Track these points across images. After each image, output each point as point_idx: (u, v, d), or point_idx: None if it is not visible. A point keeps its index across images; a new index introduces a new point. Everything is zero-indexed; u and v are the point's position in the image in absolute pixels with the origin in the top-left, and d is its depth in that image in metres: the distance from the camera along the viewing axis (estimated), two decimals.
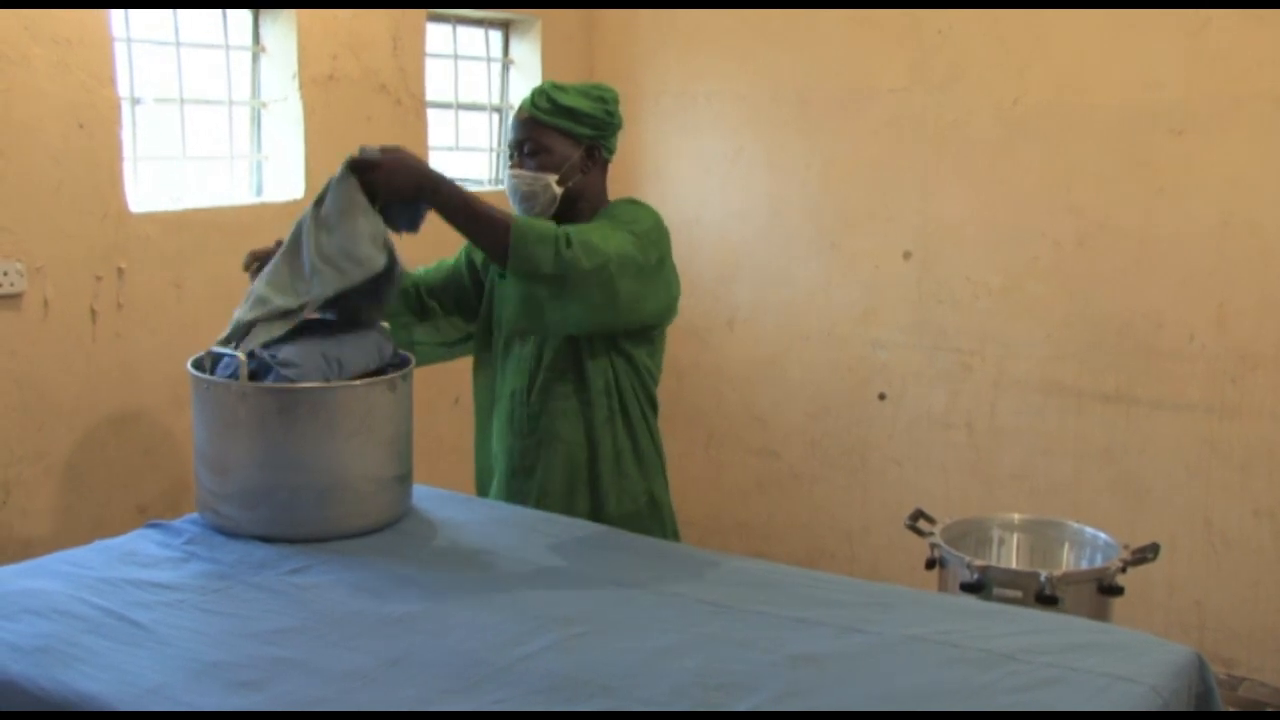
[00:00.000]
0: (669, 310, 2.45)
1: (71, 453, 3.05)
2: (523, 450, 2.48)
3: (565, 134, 2.41)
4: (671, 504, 2.59)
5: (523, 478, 2.49)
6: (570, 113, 2.40)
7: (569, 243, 2.20)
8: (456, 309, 2.64)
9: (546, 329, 2.40)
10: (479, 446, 2.62)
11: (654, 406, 2.53)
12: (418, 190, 2.22)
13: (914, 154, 3.96)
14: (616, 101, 2.47)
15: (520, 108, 2.47)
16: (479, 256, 2.58)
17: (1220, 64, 3.44)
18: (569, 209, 2.42)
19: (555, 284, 2.21)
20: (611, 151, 2.48)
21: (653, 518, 2.50)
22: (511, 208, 2.42)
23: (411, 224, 2.28)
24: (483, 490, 2.62)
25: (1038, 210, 3.76)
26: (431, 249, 2.65)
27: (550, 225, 2.24)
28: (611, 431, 2.44)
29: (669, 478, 2.60)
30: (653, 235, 2.35)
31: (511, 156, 2.46)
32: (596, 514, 2.44)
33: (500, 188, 4.32)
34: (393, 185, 2.21)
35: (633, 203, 2.47)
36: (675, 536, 2.58)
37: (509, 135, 2.48)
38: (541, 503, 2.45)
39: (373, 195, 2.20)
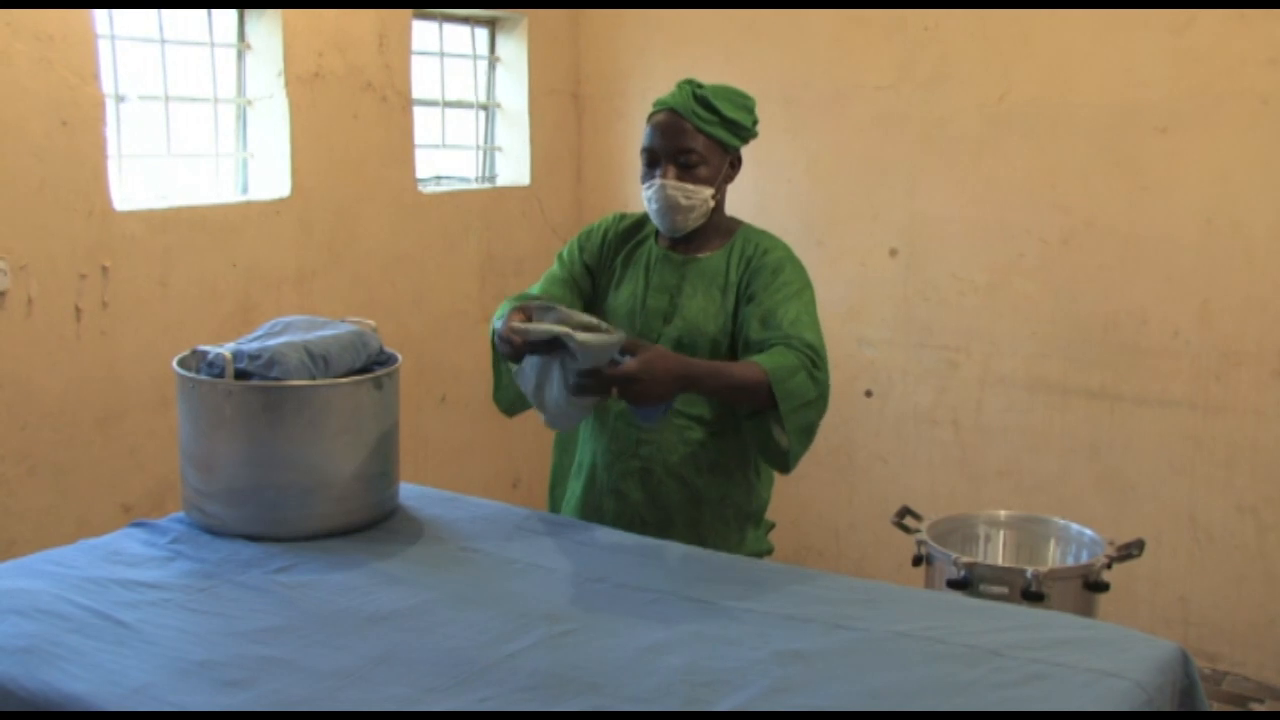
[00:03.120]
0: None
1: (56, 452, 3.03)
2: (622, 472, 2.33)
3: (721, 145, 2.29)
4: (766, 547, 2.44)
5: (616, 499, 2.34)
6: (730, 124, 2.28)
7: (813, 362, 2.13)
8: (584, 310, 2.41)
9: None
10: (559, 444, 2.51)
11: (759, 463, 2.38)
12: (677, 393, 2.05)
13: (900, 151, 3.97)
14: (757, 107, 2.38)
15: (671, 109, 2.28)
16: (589, 255, 2.42)
17: (1204, 62, 3.45)
18: (707, 221, 2.32)
19: (819, 404, 2.14)
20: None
21: None
22: (655, 217, 2.31)
23: (659, 416, 2.10)
24: (555, 491, 2.52)
25: (1024, 208, 3.78)
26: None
27: (788, 355, 2.11)
28: (717, 477, 2.31)
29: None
30: (811, 289, 2.32)
31: (654, 163, 2.29)
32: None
33: (486, 186, 4.36)
34: (651, 396, 1.99)
35: (770, 236, 2.37)
36: None
37: (652, 139, 2.28)
38: (639, 531, 2.32)
39: (622, 396, 2.00)
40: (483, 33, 4.36)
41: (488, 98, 4.40)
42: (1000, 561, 3.04)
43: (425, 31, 4.10)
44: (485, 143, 4.42)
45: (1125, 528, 3.45)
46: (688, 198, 2.27)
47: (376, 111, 3.76)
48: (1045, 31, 3.67)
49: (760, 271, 2.29)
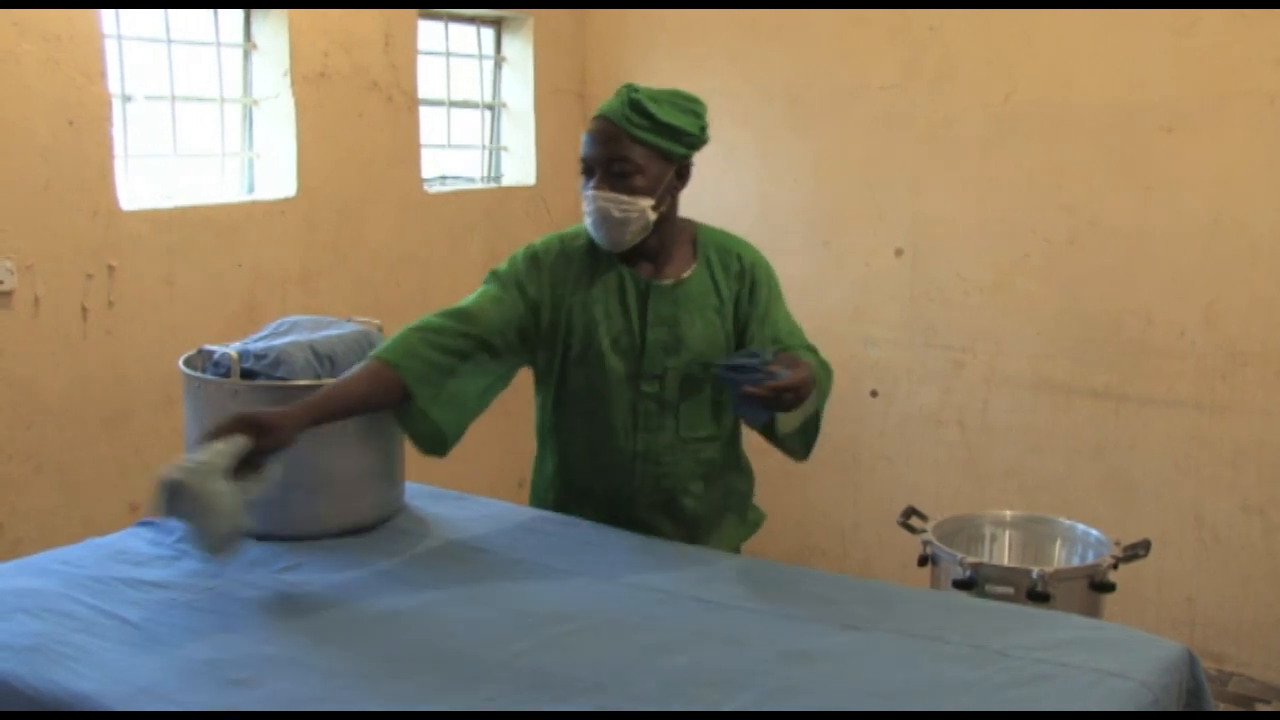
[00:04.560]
0: None
1: (62, 451, 3.04)
2: (648, 506, 2.27)
3: (661, 153, 2.14)
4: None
5: (635, 523, 2.27)
6: (670, 131, 2.14)
7: (825, 366, 2.26)
8: (522, 351, 2.26)
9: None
10: (539, 472, 2.42)
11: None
12: (810, 390, 2.08)
13: (905, 152, 3.97)
14: (706, 113, 2.23)
15: (604, 117, 2.15)
16: (536, 285, 2.22)
17: (1209, 62, 3.45)
18: (654, 234, 2.20)
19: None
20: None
21: None
22: (591, 230, 2.19)
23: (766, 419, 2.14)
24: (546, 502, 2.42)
25: (1028, 208, 3.77)
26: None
27: (810, 358, 2.20)
28: (724, 478, 2.33)
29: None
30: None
31: (590, 172, 2.17)
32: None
33: (492, 185, 4.36)
34: (794, 401, 2.03)
35: (725, 237, 2.32)
36: None
37: (588, 148, 2.17)
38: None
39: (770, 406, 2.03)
40: (488, 32, 4.36)
41: (493, 97, 4.41)
42: (1006, 562, 3.04)
43: (431, 31, 4.10)
44: (491, 142, 4.42)
45: (1131, 528, 3.44)
46: (621, 210, 2.13)
47: (382, 111, 3.77)
48: (1050, 31, 3.67)
49: (751, 286, 2.28)
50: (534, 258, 2.26)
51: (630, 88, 2.16)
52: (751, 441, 2.37)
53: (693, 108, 2.20)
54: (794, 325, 2.31)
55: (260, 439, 1.89)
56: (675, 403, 2.23)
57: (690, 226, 2.32)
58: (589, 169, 2.18)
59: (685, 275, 2.26)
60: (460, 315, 2.19)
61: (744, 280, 2.28)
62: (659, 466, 2.25)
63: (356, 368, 2.15)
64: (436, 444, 2.18)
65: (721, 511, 2.35)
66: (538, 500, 2.43)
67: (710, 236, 2.32)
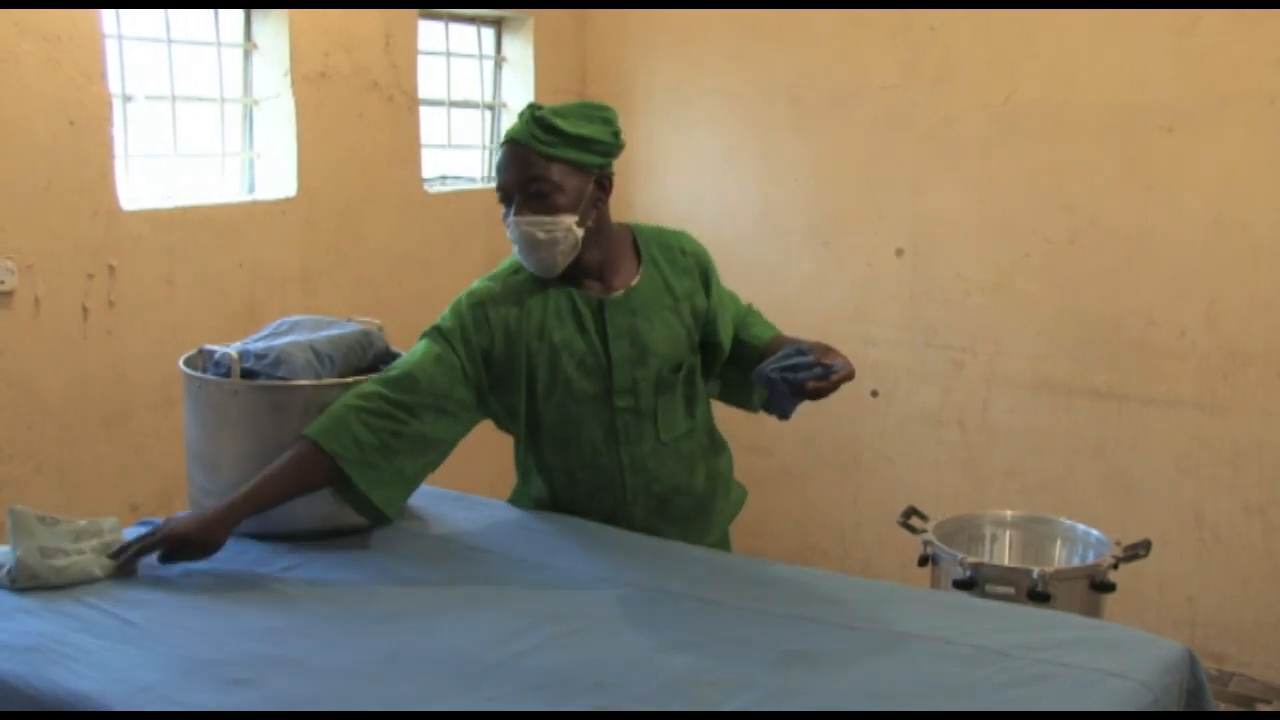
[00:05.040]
0: None
1: (62, 451, 3.04)
2: (643, 512, 2.26)
3: (576, 166, 2.10)
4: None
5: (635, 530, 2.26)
6: (580, 142, 2.09)
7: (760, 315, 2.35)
8: (476, 404, 2.20)
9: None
10: (524, 497, 2.39)
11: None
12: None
13: (905, 152, 3.96)
14: (618, 119, 2.18)
15: (512, 139, 2.11)
16: (495, 335, 2.16)
17: (1210, 62, 3.45)
18: (588, 249, 2.15)
19: None
20: (613, 174, 2.20)
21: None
22: (522, 258, 2.15)
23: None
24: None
25: (1029, 208, 3.77)
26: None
27: (773, 329, 2.33)
28: (706, 463, 2.33)
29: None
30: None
31: (508, 200, 2.12)
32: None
33: (492, 185, 4.35)
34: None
35: (665, 234, 2.30)
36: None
37: (501, 174, 2.13)
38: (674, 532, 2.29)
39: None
40: (489, 32, 4.36)
41: (494, 97, 4.41)
42: (1006, 562, 3.04)
43: (431, 31, 4.10)
44: (491, 142, 4.42)
45: (1131, 528, 3.44)
46: (546, 231, 2.08)
47: (383, 111, 3.77)
48: (1051, 31, 3.66)
49: (704, 276, 2.29)
50: (478, 305, 2.18)
51: (533, 106, 2.12)
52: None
53: (602, 115, 2.15)
54: (739, 302, 2.38)
55: (192, 553, 2.00)
56: (652, 410, 2.21)
57: (628, 231, 2.27)
58: (506, 196, 2.13)
59: (634, 283, 2.21)
60: (403, 384, 2.11)
61: (694, 272, 2.28)
62: (646, 473, 2.24)
63: (287, 454, 2.06)
64: (378, 518, 2.13)
65: (710, 497, 2.35)
66: None
67: (649, 235, 2.28)
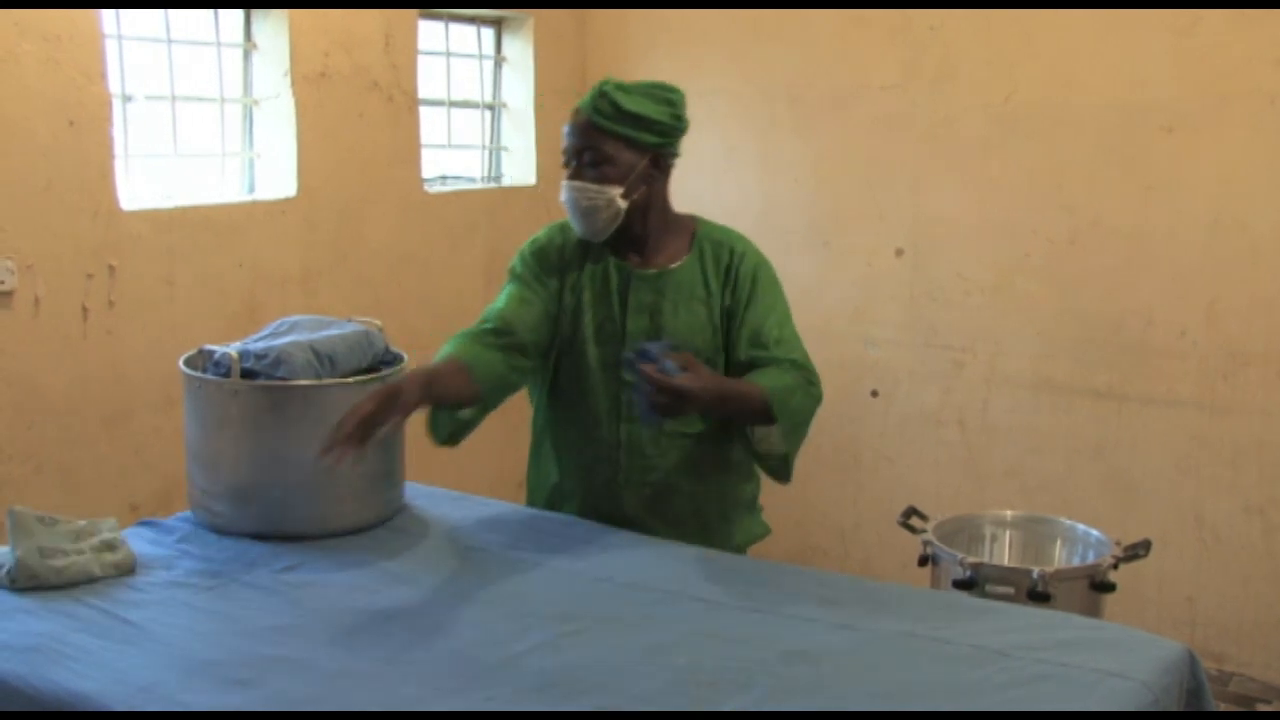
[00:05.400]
0: None
1: (62, 451, 3.04)
2: (634, 500, 2.28)
3: (630, 142, 2.17)
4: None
5: (625, 523, 2.28)
6: (636, 119, 2.16)
7: (810, 381, 2.19)
8: (549, 343, 2.31)
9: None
10: (534, 469, 2.43)
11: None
12: (718, 405, 2.10)
13: (906, 151, 3.96)
14: (684, 103, 2.24)
15: (578, 110, 2.22)
16: (550, 271, 2.28)
17: (1210, 62, 3.44)
18: (633, 222, 2.22)
19: (811, 422, 2.23)
20: (676, 156, 2.27)
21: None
22: (570, 221, 2.24)
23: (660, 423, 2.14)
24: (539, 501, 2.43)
25: (1029, 207, 3.77)
26: None
27: (782, 376, 2.15)
28: (717, 477, 2.31)
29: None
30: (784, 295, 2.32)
31: (567, 164, 2.23)
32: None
33: (492, 185, 4.36)
34: (695, 404, 2.03)
35: (723, 232, 2.30)
36: None
37: (565, 139, 2.23)
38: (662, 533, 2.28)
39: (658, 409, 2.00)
40: (489, 32, 4.36)
41: (494, 97, 4.41)
42: (1006, 562, 3.04)
43: (431, 31, 4.10)
44: (491, 142, 4.42)
45: (1131, 528, 3.44)
46: (589, 199, 2.17)
47: (382, 111, 3.77)
48: (1051, 31, 3.66)
49: (740, 282, 2.25)
50: (541, 249, 2.32)
51: (605, 81, 2.21)
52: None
53: (667, 97, 2.22)
54: (786, 333, 2.25)
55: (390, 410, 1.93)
56: None
57: (692, 221, 2.33)
58: (566, 160, 2.24)
59: (673, 265, 2.27)
60: (501, 326, 2.22)
61: (732, 274, 2.27)
62: (644, 459, 2.25)
63: (445, 360, 2.15)
64: (455, 440, 2.25)
65: (711, 510, 2.31)
66: (532, 502, 2.45)
67: (710, 230, 2.33)
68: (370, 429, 1.89)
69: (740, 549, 2.36)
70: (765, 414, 2.12)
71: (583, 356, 2.26)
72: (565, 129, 2.24)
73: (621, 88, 2.18)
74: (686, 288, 2.25)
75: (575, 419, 2.31)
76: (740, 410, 2.15)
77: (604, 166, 2.17)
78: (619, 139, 2.17)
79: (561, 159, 2.25)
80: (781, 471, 2.27)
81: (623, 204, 2.19)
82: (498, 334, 2.22)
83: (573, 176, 2.20)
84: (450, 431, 2.23)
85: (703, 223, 2.34)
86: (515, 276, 2.31)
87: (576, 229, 2.25)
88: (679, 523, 2.29)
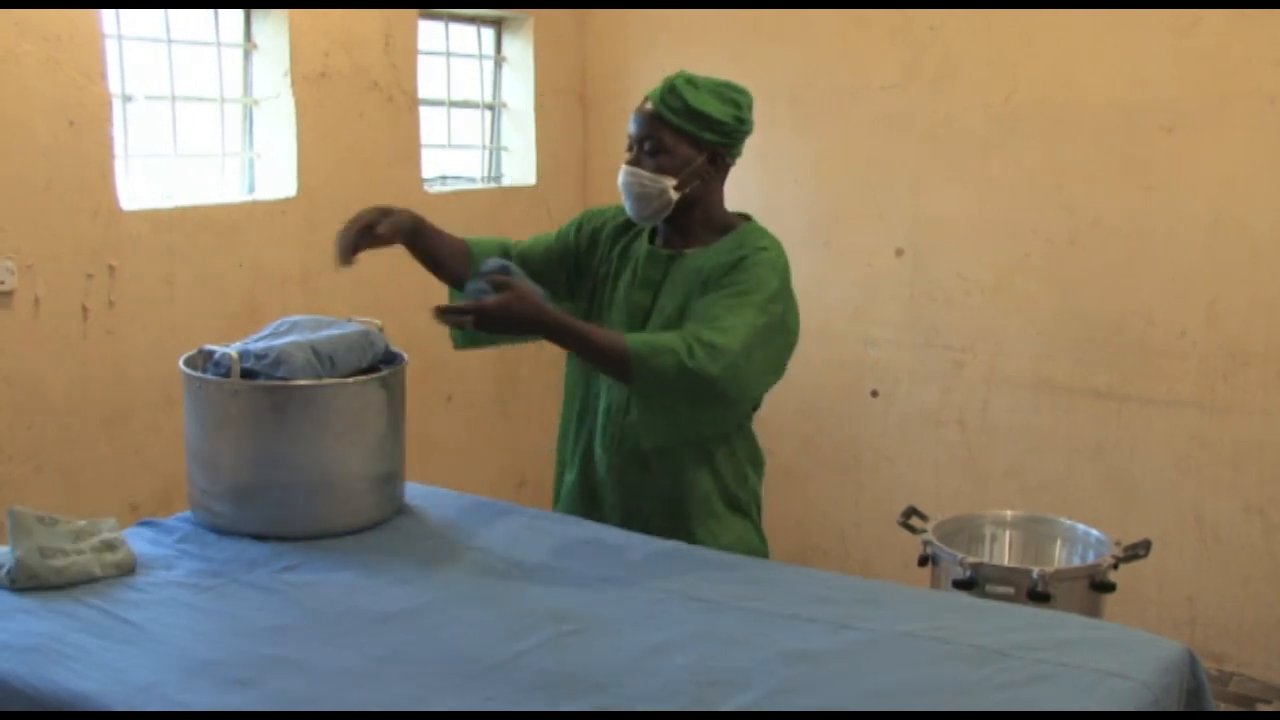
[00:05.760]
0: (784, 368, 2.29)
1: (62, 451, 3.04)
2: (610, 465, 2.32)
3: (690, 138, 2.24)
4: (765, 549, 2.39)
5: (613, 487, 2.32)
6: (700, 117, 2.23)
7: (691, 351, 2.05)
8: (567, 294, 2.45)
9: (683, 438, 2.23)
10: (562, 435, 2.47)
11: (753, 453, 2.37)
12: (531, 333, 2.13)
13: (906, 151, 3.96)
14: (751, 106, 2.31)
15: (648, 98, 2.29)
16: (583, 238, 2.44)
17: (1210, 62, 3.44)
18: (683, 214, 2.29)
19: (683, 393, 2.10)
20: (737, 157, 2.33)
21: None
22: (624, 203, 2.32)
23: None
24: (558, 480, 2.48)
25: (1029, 207, 3.77)
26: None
27: (670, 337, 2.09)
28: (701, 473, 2.28)
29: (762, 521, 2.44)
30: (781, 297, 2.22)
31: (630, 148, 2.30)
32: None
33: (492, 185, 4.36)
34: (503, 324, 2.09)
35: (760, 245, 2.25)
36: None
37: (631, 126, 2.31)
38: (627, 525, 2.29)
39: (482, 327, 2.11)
40: (489, 32, 4.36)
41: (494, 97, 4.41)
42: (1006, 562, 3.04)
43: (431, 31, 4.10)
44: (491, 142, 4.42)
45: (1131, 528, 3.44)
46: (642, 186, 2.25)
47: (382, 111, 3.77)
48: (1051, 31, 3.66)
49: (728, 270, 2.21)
50: (584, 215, 2.50)
51: (678, 74, 2.27)
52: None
53: (734, 98, 2.28)
54: (728, 320, 2.12)
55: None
56: None
57: (739, 221, 2.37)
58: (630, 145, 2.31)
59: (688, 251, 2.30)
60: (528, 253, 2.45)
61: (728, 265, 2.23)
62: (619, 427, 2.28)
63: (456, 239, 2.46)
64: (473, 344, 2.46)
65: (697, 496, 2.28)
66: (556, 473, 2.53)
67: (748, 230, 2.33)
68: (367, 234, 2.28)
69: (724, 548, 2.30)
70: (623, 365, 2.08)
71: (601, 323, 2.33)
72: (632, 115, 2.31)
73: (692, 82, 2.25)
74: (691, 273, 2.26)
75: (575, 380, 2.42)
76: (587, 353, 2.13)
77: (662, 157, 2.24)
78: (680, 133, 2.24)
79: (627, 143, 2.33)
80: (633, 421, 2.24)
81: (674, 195, 2.25)
82: (509, 248, 2.45)
83: (632, 162, 2.28)
84: (468, 338, 2.40)
85: (749, 224, 2.37)
86: (559, 230, 2.50)
87: (628, 211, 2.32)
88: (665, 500, 2.28)
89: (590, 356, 2.15)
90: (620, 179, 2.29)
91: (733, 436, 2.32)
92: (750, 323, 2.13)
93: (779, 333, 2.22)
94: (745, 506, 2.36)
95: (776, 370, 2.26)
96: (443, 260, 2.42)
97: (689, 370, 2.05)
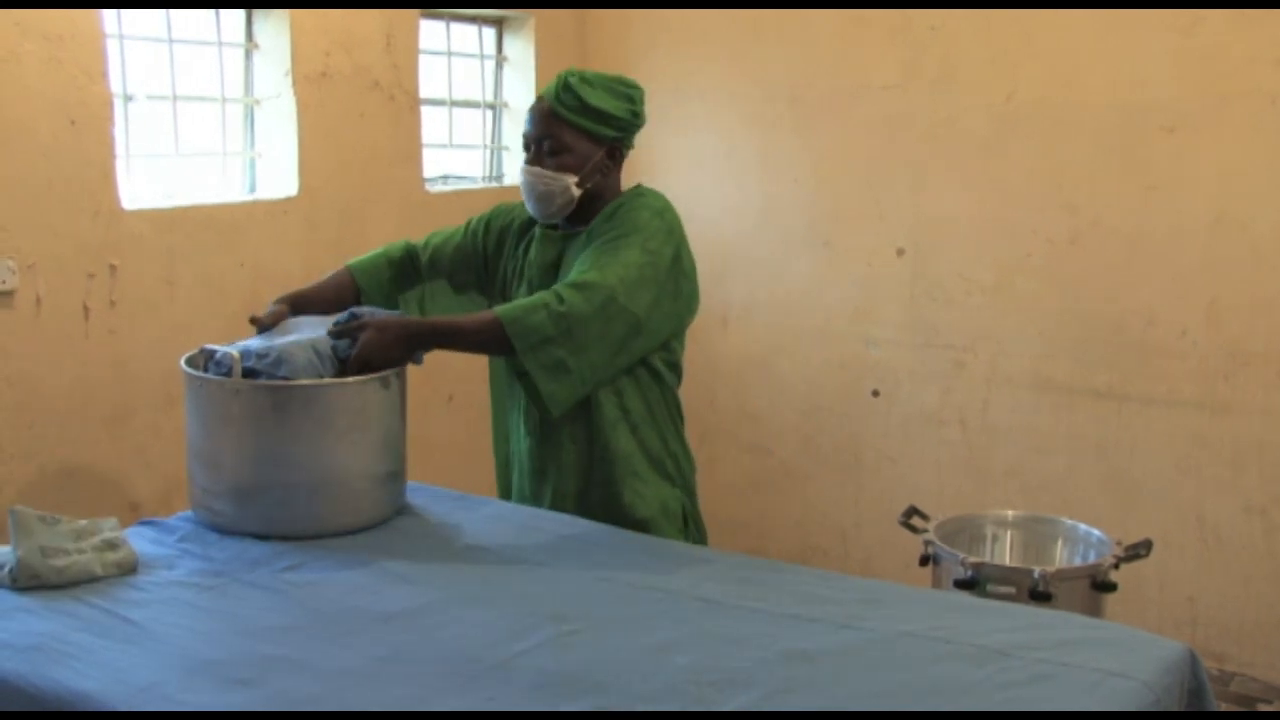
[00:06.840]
0: (688, 310, 2.31)
1: (63, 450, 3.04)
2: (537, 451, 2.38)
3: (588, 134, 2.28)
4: (697, 511, 2.44)
5: (538, 479, 2.39)
6: (596, 113, 2.27)
7: (560, 297, 2.11)
8: (479, 290, 2.54)
9: (586, 390, 2.20)
10: (496, 440, 2.54)
11: (673, 408, 2.39)
12: (408, 352, 2.21)
13: (906, 151, 3.97)
14: (643, 99, 2.35)
15: (542, 97, 2.31)
16: (491, 239, 2.51)
17: (1211, 62, 3.44)
18: (586, 208, 2.33)
19: (565, 339, 2.11)
20: (630, 149, 2.38)
21: (670, 524, 2.35)
22: (526, 204, 2.35)
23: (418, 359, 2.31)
24: (503, 484, 2.54)
25: (1030, 207, 3.77)
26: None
27: (539, 294, 2.16)
28: (620, 433, 2.30)
29: (696, 482, 2.47)
30: (660, 234, 2.23)
31: (527, 148, 2.33)
32: (615, 518, 2.30)
33: (493, 185, 4.36)
34: (382, 360, 2.18)
35: (638, 195, 2.33)
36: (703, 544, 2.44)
37: (526, 126, 2.34)
38: (557, 505, 2.35)
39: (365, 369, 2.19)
40: (490, 32, 4.36)
41: (495, 97, 4.41)
42: (1007, 561, 3.04)
43: (432, 31, 4.10)
44: (492, 142, 4.42)
45: (1132, 528, 3.44)
46: (545, 184, 2.28)
47: (384, 111, 3.77)
48: (1051, 31, 3.66)
49: (607, 219, 2.28)
50: (494, 211, 2.55)
51: (569, 71, 2.30)
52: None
53: (627, 92, 2.32)
54: (600, 260, 2.18)
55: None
56: None
57: (627, 192, 2.38)
58: (526, 145, 2.34)
59: (580, 229, 2.34)
60: (433, 257, 2.53)
61: (607, 217, 2.29)
62: (536, 409, 2.30)
63: (330, 275, 2.54)
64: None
65: (619, 459, 2.30)
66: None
67: (633, 192, 2.36)
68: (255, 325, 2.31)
69: (630, 520, 2.31)
70: (500, 337, 2.12)
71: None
72: (527, 114, 2.33)
73: (585, 80, 2.28)
74: (583, 243, 2.31)
75: (496, 382, 2.51)
76: (466, 342, 2.21)
77: (562, 155, 2.28)
78: (579, 130, 2.28)
79: (523, 143, 2.35)
80: (535, 397, 2.19)
81: (576, 192, 2.29)
82: (416, 262, 2.55)
83: (531, 162, 2.31)
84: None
85: (637, 190, 2.37)
86: (467, 228, 2.55)
87: (530, 210, 2.35)
88: (572, 473, 2.34)
89: (469, 344, 2.21)
90: (521, 180, 2.32)
91: (649, 396, 2.32)
92: (627, 260, 2.18)
93: (668, 269, 2.23)
94: (671, 474, 2.38)
95: (673, 308, 2.25)
96: (334, 307, 2.41)
97: (562, 315, 2.11)
